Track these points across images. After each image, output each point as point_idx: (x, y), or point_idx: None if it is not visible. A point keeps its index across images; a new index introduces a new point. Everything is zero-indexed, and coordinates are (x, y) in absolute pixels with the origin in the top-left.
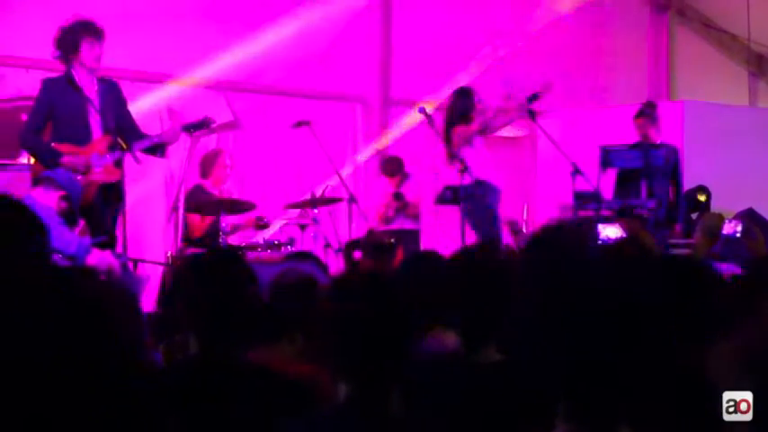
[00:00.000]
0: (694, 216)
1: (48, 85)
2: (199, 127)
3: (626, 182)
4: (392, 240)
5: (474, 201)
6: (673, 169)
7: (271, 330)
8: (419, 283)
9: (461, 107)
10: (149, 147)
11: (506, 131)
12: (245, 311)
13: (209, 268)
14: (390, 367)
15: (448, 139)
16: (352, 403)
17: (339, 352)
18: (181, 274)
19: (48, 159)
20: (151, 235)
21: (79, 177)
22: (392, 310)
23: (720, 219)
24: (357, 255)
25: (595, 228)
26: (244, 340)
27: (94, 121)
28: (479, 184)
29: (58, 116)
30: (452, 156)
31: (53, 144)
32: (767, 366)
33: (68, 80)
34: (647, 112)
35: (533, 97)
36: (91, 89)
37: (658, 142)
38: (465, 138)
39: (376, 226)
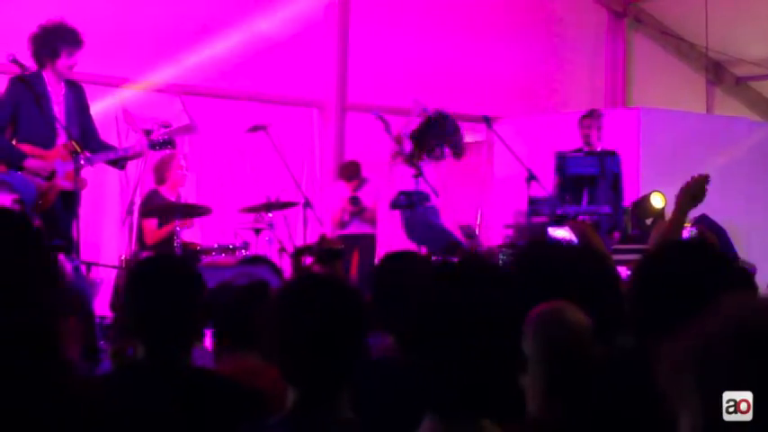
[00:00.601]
0: (649, 222)
1: (14, 83)
2: (164, 145)
3: (568, 189)
4: (342, 246)
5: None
6: (614, 177)
7: (227, 336)
8: (392, 282)
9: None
10: (113, 159)
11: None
12: (191, 318)
13: (156, 274)
14: (339, 371)
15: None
16: (300, 408)
17: (287, 356)
18: (129, 279)
19: (11, 158)
20: (105, 238)
21: (42, 183)
22: (343, 314)
23: None
24: (308, 260)
25: (546, 230)
26: (190, 346)
27: (59, 124)
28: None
29: (22, 116)
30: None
31: (15, 143)
32: (719, 371)
33: (36, 81)
34: (595, 116)
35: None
36: (58, 92)
37: (599, 149)
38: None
39: (332, 230)
